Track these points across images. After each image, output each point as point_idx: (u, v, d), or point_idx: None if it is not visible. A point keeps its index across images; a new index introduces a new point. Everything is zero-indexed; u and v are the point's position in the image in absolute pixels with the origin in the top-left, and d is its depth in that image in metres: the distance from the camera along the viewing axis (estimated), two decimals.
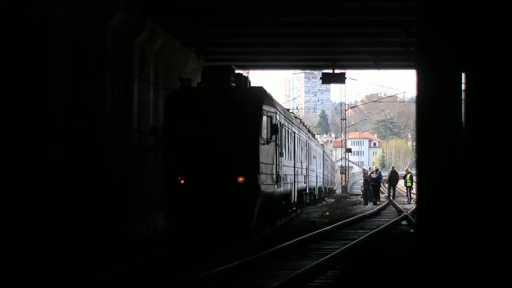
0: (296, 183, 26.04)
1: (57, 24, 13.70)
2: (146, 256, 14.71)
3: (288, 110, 29.11)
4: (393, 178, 41.54)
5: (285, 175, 21.91)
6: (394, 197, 41.25)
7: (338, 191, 66.55)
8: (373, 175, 39.62)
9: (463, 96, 8.59)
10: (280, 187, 20.04)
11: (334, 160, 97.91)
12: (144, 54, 19.70)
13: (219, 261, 13.03)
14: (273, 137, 18.32)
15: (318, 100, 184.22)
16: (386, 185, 45.19)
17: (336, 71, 27.40)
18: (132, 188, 18.41)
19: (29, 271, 12.03)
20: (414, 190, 37.62)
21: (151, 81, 20.45)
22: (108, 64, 16.61)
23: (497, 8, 8.32)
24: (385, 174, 55.12)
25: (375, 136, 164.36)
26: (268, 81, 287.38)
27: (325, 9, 19.11)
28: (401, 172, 48.28)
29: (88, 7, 15.30)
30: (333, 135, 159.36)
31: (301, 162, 29.37)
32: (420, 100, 8.96)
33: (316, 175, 40.35)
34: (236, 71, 18.99)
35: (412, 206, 32.69)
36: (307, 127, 40.90)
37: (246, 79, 18.95)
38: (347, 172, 67.76)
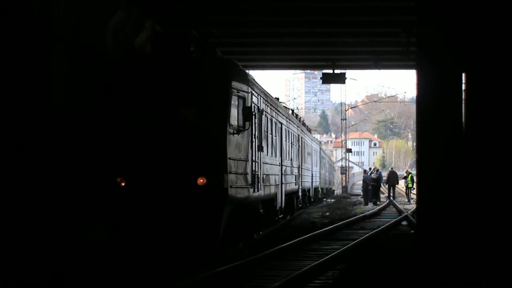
0: (283, 185, 21.59)
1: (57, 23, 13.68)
2: None
3: (278, 99, 23.32)
4: (392, 178, 41.54)
5: (267, 175, 17.61)
6: (394, 197, 41.25)
7: (338, 191, 66.54)
8: (373, 175, 39.61)
9: (463, 96, 8.57)
10: (258, 190, 15.81)
11: (335, 160, 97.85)
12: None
13: (219, 261, 13.01)
14: (247, 124, 14.19)
15: (319, 100, 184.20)
16: (386, 186, 45.18)
17: (336, 71, 27.42)
18: None
19: None
20: (414, 191, 37.60)
21: None
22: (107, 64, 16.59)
23: (497, 8, 8.30)
24: (385, 175, 55.11)
25: (376, 136, 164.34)
26: (268, 81, 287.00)
27: (325, 9, 19.12)
28: (401, 173, 48.28)
29: (87, 8, 15.29)
30: (333, 135, 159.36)
31: (291, 160, 24.56)
32: (421, 100, 8.94)
33: (312, 174, 36.14)
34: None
35: (412, 206, 32.66)
36: (301, 120, 35.95)
37: (213, 50, 15.78)
38: (347, 172, 67.74)
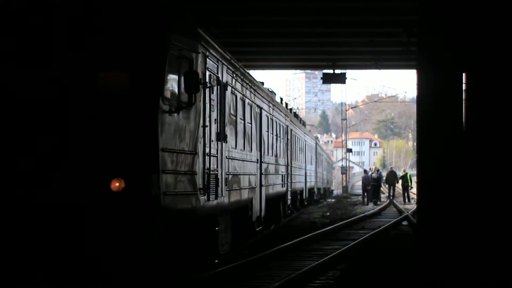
0: (264, 188, 17.16)
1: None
2: None
3: (262, 84, 18.98)
4: (392, 178, 41.56)
5: (235, 175, 13.29)
6: (393, 197, 41.26)
7: (337, 191, 66.52)
8: (374, 175, 39.61)
9: (463, 96, 8.56)
10: (218, 197, 11.42)
11: (335, 160, 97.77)
12: None
13: (219, 261, 13.00)
14: (194, 99, 9.69)
15: (319, 100, 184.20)
16: (387, 185, 45.21)
17: (337, 71, 27.42)
18: None
19: None
20: (413, 190, 37.62)
21: None
22: None
23: (497, 8, 8.28)
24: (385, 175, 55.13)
25: (376, 136, 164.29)
26: (268, 81, 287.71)
27: (326, 9, 19.12)
28: (399, 173, 48.32)
29: None
30: (333, 135, 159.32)
31: (277, 156, 20.26)
32: (421, 100, 8.95)
33: (305, 173, 31.74)
34: None
35: (413, 206, 32.66)
36: (293, 111, 31.72)
37: None
38: (347, 173, 67.73)
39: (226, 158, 12.32)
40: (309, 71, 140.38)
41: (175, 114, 9.42)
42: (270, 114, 18.95)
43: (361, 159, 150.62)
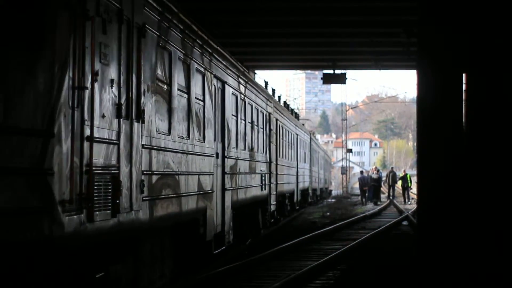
0: (229, 193, 13.05)
1: None
2: None
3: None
4: (391, 178, 41.59)
5: (167, 174, 9.16)
6: (393, 196, 41.30)
7: (336, 191, 66.52)
8: (374, 176, 39.62)
9: (463, 97, 8.56)
10: (119, 211, 7.25)
11: (335, 160, 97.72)
12: None
13: (220, 261, 13.00)
14: (41, 30, 5.96)
15: (319, 100, 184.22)
16: (386, 185, 45.28)
17: (337, 71, 27.41)
18: None
19: None
20: (413, 190, 37.65)
21: None
22: None
23: (498, 8, 8.28)
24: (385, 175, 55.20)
25: (376, 136, 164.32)
26: (269, 81, 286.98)
27: (326, 9, 19.12)
28: (399, 173, 48.35)
29: None
30: (334, 136, 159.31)
31: (253, 151, 16.02)
32: (421, 100, 8.95)
33: (297, 172, 27.88)
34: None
35: (413, 206, 32.68)
36: (285, 102, 28.90)
37: None
38: (348, 173, 67.74)
39: (145, 148, 8.14)
40: (309, 71, 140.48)
41: None
42: (241, 93, 14.53)
43: (361, 159, 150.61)
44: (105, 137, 6.94)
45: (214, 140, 11.93)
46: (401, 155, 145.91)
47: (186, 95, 10.08)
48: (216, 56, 12.31)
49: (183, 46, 9.93)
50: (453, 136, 8.53)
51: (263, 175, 17.58)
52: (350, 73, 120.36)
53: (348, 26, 20.87)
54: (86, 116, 6.43)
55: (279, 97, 30.41)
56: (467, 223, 8.37)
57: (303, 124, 36.81)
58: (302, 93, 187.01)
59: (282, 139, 22.84)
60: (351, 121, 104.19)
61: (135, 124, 7.78)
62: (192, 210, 10.33)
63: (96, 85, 6.65)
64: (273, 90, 27.90)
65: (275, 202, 20.32)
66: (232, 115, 13.67)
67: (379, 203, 38.02)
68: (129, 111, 7.60)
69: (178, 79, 9.69)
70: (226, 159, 12.86)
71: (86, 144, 6.43)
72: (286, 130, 24.01)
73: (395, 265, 12.51)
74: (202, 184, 10.87)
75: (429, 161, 8.79)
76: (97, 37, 6.68)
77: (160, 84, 8.86)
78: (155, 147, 8.54)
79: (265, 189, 17.78)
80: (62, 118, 6.04)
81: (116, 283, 7.57)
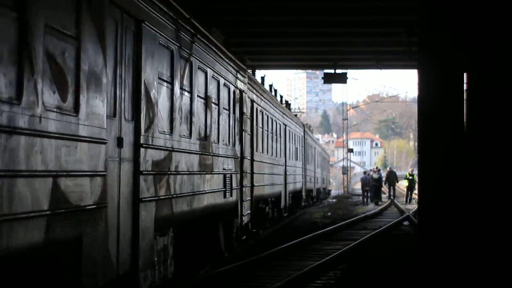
0: (146, 207, 8.04)
1: None
2: None
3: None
4: (391, 177, 41.60)
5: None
6: (394, 196, 41.30)
7: (337, 191, 66.51)
8: (375, 175, 39.61)
9: (465, 96, 8.55)
10: None
11: (336, 160, 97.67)
12: None
13: (221, 261, 13.00)
14: None
15: (320, 100, 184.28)
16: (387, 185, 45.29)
17: (338, 71, 27.39)
18: None
19: None
20: (416, 191, 37.66)
21: None
22: None
23: (499, 9, 8.27)
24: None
25: (377, 136, 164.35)
26: (269, 81, 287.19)
27: (327, 9, 19.11)
28: (402, 173, 48.31)
29: None
30: (334, 135, 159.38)
31: (207, 140, 11.32)
32: (422, 100, 8.94)
33: (285, 171, 23.88)
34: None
35: (414, 206, 32.67)
36: (276, 93, 25.30)
37: None
38: (349, 173, 67.74)
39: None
40: (310, 71, 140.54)
41: None
42: (183, 49, 10.00)
43: (362, 159, 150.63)
44: None
45: (111, 114, 7.07)
46: (402, 155, 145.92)
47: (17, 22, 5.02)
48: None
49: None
50: (454, 136, 8.52)
51: (229, 175, 12.99)
52: (351, 73, 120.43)
53: (349, 26, 20.87)
54: None
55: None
56: (468, 223, 8.36)
57: (295, 115, 31.84)
58: (303, 92, 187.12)
59: (262, 128, 18.24)
60: (352, 120, 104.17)
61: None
62: (37, 244, 5.23)
63: None
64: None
65: (249, 211, 15.48)
66: (161, 79, 8.84)
67: (380, 203, 38.02)
68: None
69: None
70: (143, 149, 7.99)
71: None
72: (267, 116, 19.25)
73: (396, 265, 12.51)
74: (67, 195, 5.76)
75: (430, 161, 8.77)
76: None
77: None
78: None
79: (231, 195, 13.16)
80: None
81: None
